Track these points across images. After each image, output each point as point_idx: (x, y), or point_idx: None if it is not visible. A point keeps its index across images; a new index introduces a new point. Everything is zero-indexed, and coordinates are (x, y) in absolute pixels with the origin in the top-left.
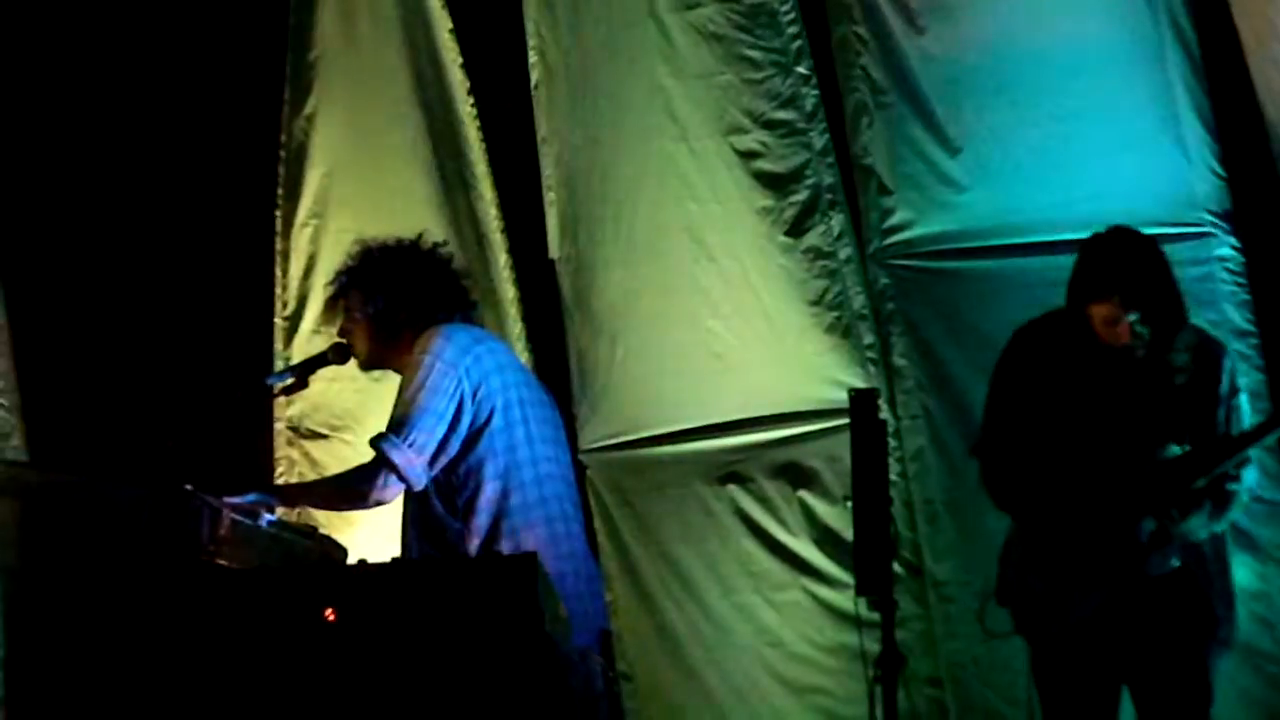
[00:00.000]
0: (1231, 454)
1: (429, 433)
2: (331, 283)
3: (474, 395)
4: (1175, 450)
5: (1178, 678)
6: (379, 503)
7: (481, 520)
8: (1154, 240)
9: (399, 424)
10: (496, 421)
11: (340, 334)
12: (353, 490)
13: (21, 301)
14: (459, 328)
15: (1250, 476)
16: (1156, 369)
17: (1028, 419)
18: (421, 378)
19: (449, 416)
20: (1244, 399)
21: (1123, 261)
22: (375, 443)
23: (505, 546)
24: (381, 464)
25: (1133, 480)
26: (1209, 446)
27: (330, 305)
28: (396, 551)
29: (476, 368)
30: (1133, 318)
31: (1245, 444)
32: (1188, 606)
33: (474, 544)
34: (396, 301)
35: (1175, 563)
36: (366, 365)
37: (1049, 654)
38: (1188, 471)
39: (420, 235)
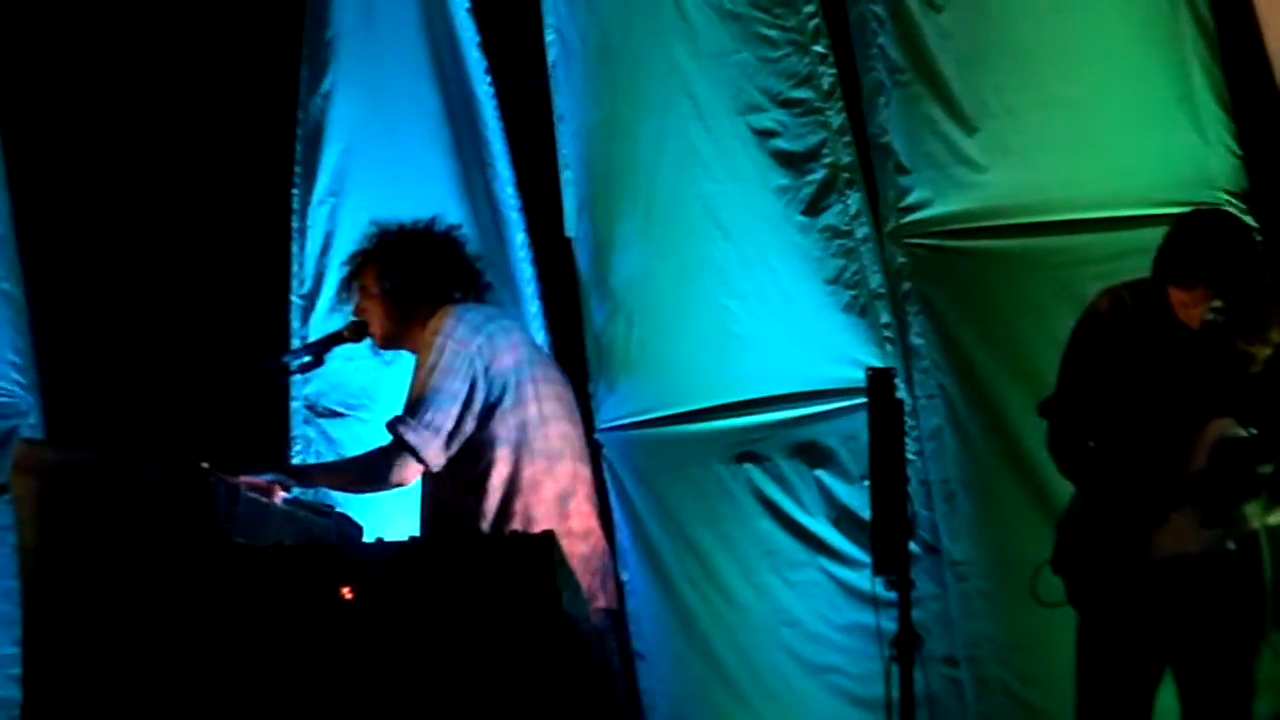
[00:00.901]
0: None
1: (444, 413)
2: (347, 262)
3: (486, 374)
4: (1243, 433)
5: (1221, 662)
6: (399, 484)
7: (494, 499)
8: (1246, 230)
9: (414, 405)
10: (508, 400)
11: (355, 313)
12: (371, 473)
13: (40, 280)
14: (471, 307)
15: None
16: (1233, 354)
17: (1100, 385)
18: (434, 359)
19: (463, 396)
20: None
21: (1203, 250)
22: (392, 425)
23: (517, 525)
24: (399, 446)
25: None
26: (1275, 431)
27: (346, 284)
28: (414, 530)
29: (489, 346)
30: (1211, 308)
31: None
32: (1238, 590)
33: (487, 523)
34: (411, 280)
35: (1231, 545)
36: (382, 345)
37: (1099, 626)
38: (1252, 455)
39: (435, 217)
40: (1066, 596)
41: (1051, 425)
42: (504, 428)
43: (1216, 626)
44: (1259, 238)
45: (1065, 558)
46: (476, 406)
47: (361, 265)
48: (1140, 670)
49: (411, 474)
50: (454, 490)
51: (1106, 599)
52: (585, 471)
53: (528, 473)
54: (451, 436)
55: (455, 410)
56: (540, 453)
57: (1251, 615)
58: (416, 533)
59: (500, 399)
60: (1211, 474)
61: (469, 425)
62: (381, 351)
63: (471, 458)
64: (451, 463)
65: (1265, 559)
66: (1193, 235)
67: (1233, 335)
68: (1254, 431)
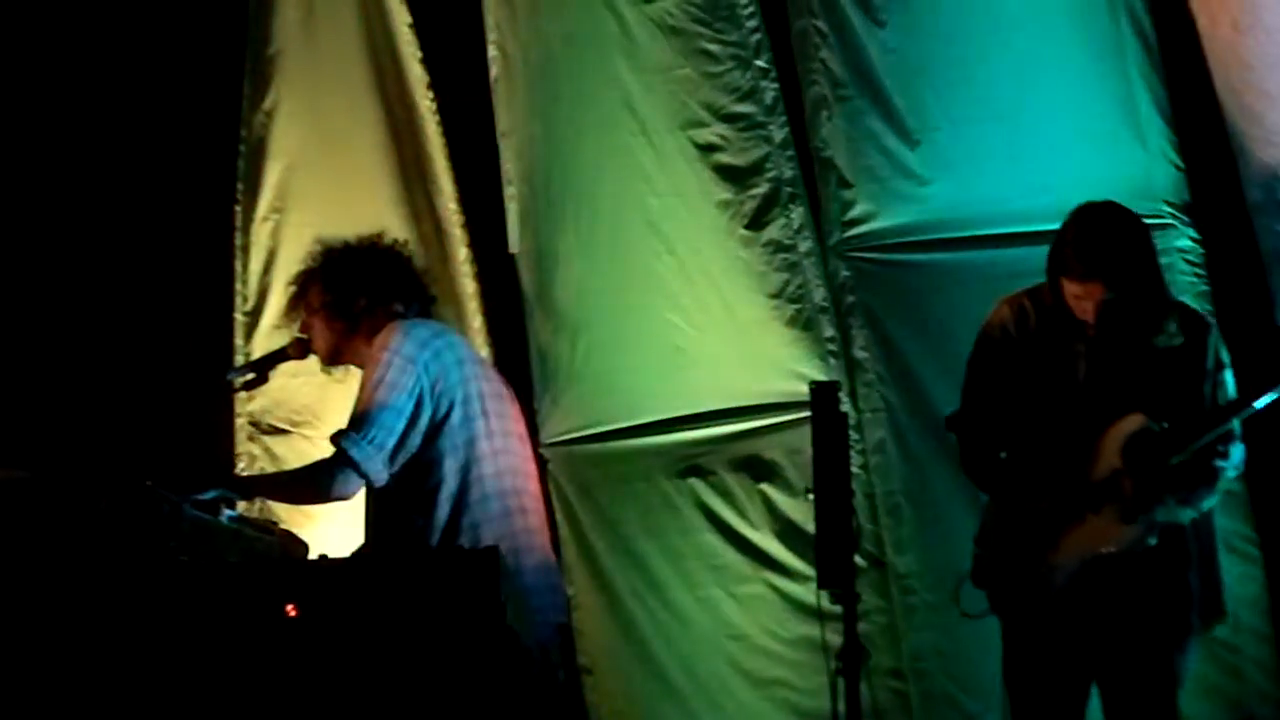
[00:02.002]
0: (1207, 429)
1: (389, 429)
2: (292, 281)
3: (433, 390)
4: (1153, 427)
5: (1145, 659)
6: (339, 498)
7: (441, 514)
8: (1136, 220)
9: (359, 421)
10: (456, 416)
11: (301, 330)
12: (312, 485)
13: None
14: (417, 323)
15: (1237, 453)
16: (1136, 346)
17: (1004, 394)
18: (380, 374)
19: (408, 412)
20: (1229, 374)
21: (1095, 242)
22: (335, 439)
23: (464, 540)
24: (341, 460)
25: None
26: (1186, 423)
27: (292, 304)
28: (358, 546)
29: (435, 362)
30: (1096, 301)
31: (1219, 420)
32: (1162, 586)
33: (435, 538)
34: (354, 296)
35: (1152, 541)
36: (328, 361)
37: (1023, 633)
38: (1165, 448)
39: (380, 233)
40: (990, 606)
41: (960, 440)
42: (451, 444)
43: (1142, 624)
44: (1201, 249)
45: (985, 569)
46: (422, 423)
47: (304, 283)
48: (1069, 676)
49: (353, 488)
50: (401, 507)
51: (1029, 606)
52: (533, 487)
53: (475, 488)
54: (395, 453)
55: (400, 426)
56: (488, 468)
57: (1177, 611)
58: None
59: (448, 415)
60: (1126, 471)
61: (414, 441)
62: (332, 368)
63: (418, 474)
64: (398, 479)
65: (1191, 553)
66: (1081, 227)
67: (1128, 326)
68: (1165, 425)
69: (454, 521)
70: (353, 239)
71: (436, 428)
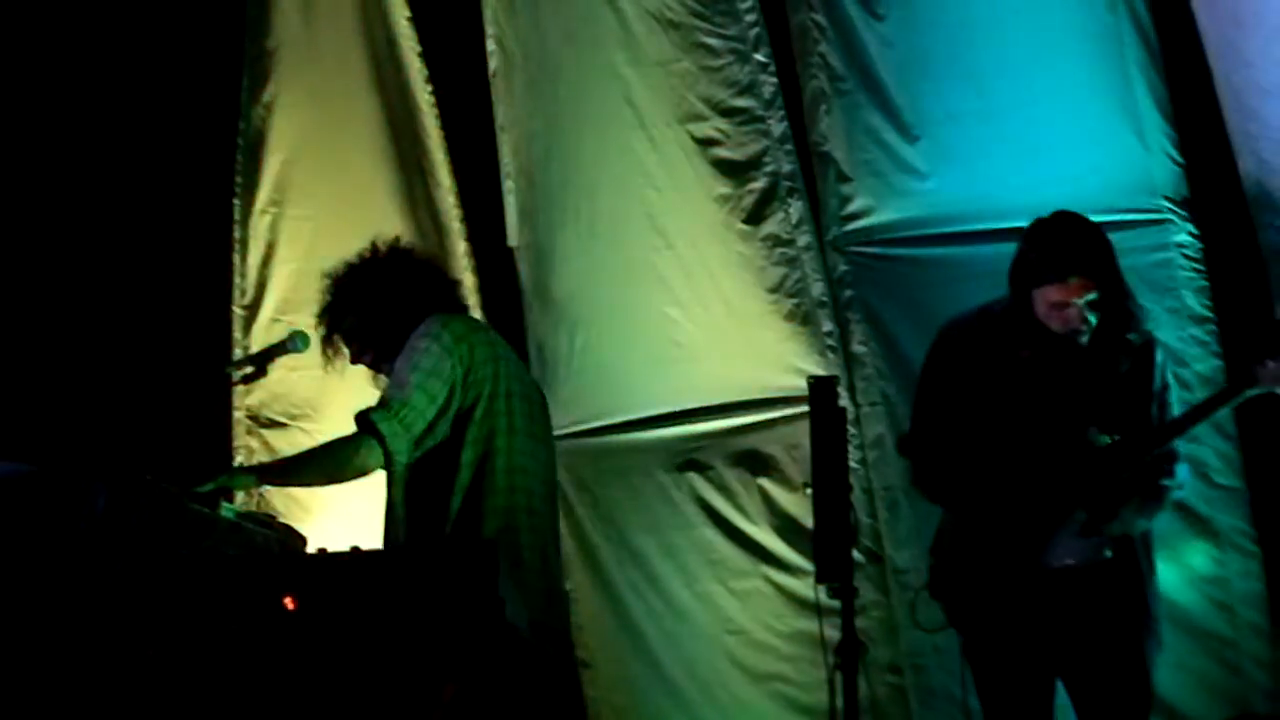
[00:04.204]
0: (1159, 442)
1: (419, 412)
2: (318, 325)
3: (464, 381)
4: (1105, 440)
5: (1116, 671)
6: (359, 473)
7: (454, 504)
8: (1096, 225)
9: (392, 401)
10: (480, 410)
11: (354, 361)
12: (334, 460)
13: None
14: (457, 316)
15: (1182, 473)
16: (1096, 358)
17: (956, 412)
18: (417, 359)
19: (441, 400)
20: (1174, 395)
21: (1078, 244)
22: (364, 414)
23: (471, 532)
24: (369, 434)
25: (1063, 469)
26: (1137, 437)
27: (327, 346)
28: (356, 540)
29: (470, 356)
30: (1082, 301)
31: (1170, 433)
32: (1122, 598)
33: (447, 528)
34: (383, 314)
35: (1107, 554)
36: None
37: (981, 646)
38: (1117, 462)
39: (374, 240)
40: (946, 620)
41: (913, 461)
42: (472, 436)
43: (1105, 637)
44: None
45: (940, 579)
46: (451, 413)
47: (331, 324)
48: (1030, 686)
49: (374, 464)
50: (420, 494)
51: (987, 619)
52: (543, 491)
53: (485, 482)
54: (423, 437)
55: (431, 413)
56: (500, 464)
57: (1139, 623)
58: (376, 538)
59: (473, 407)
60: (1081, 484)
61: (442, 429)
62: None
63: (438, 462)
64: (419, 466)
65: (1146, 564)
66: (1050, 234)
67: (1099, 335)
68: (1116, 438)
69: (461, 515)
70: (354, 259)
71: (462, 418)
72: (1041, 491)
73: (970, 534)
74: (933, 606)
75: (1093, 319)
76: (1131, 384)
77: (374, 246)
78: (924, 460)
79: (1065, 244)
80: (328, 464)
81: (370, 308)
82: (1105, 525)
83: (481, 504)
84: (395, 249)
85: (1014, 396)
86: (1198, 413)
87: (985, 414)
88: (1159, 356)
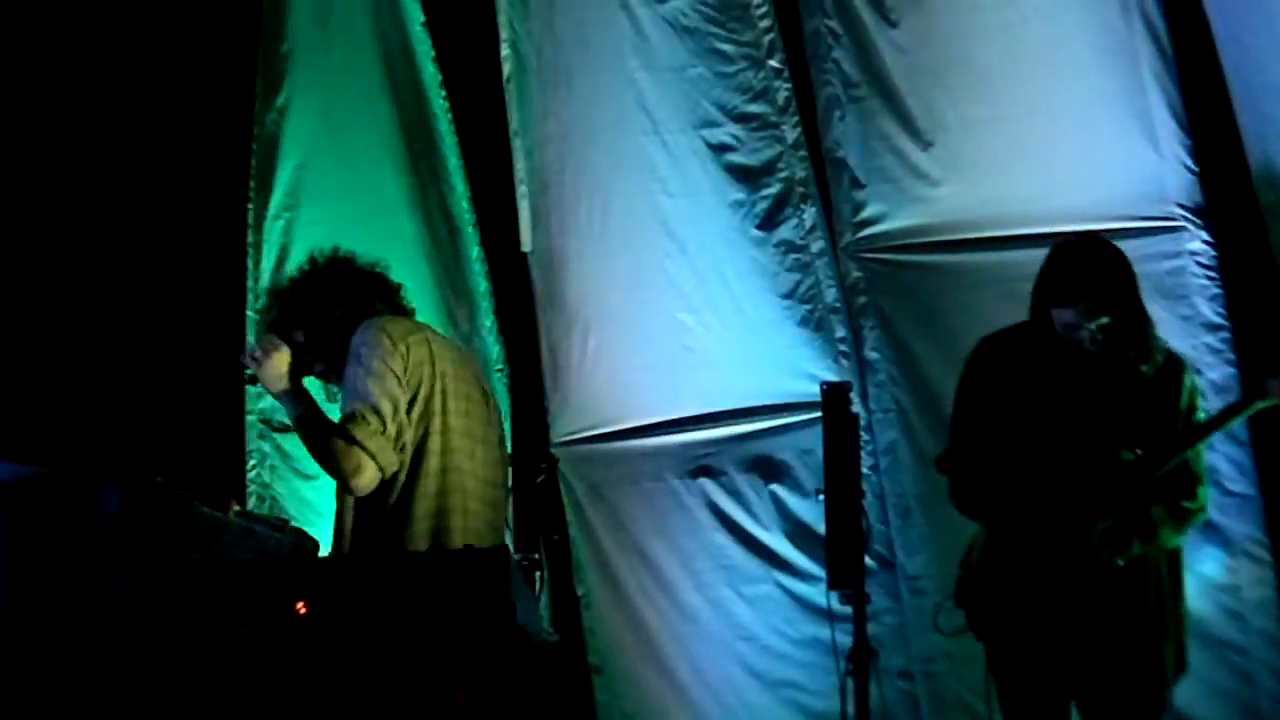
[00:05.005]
0: (1170, 455)
1: (391, 417)
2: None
3: (402, 382)
4: (1128, 455)
5: (1128, 692)
6: (358, 487)
7: (388, 504)
8: (1119, 250)
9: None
10: (416, 410)
11: (305, 374)
12: (337, 459)
13: None
14: (393, 318)
15: (1204, 496)
16: (1118, 375)
17: (993, 430)
18: (369, 365)
19: (404, 401)
20: (1201, 417)
21: (1086, 269)
22: (349, 432)
23: (399, 532)
24: (358, 449)
25: (1089, 482)
26: (1159, 449)
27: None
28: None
29: (407, 357)
30: (1093, 325)
31: (1181, 446)
32: (1133, 612)
33: (381, 528)
34: (330, 325)
35: (1120, 561)
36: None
37: (1003, 656)
38: (1140, 474)
39: (311, 254)
40: (966, 625)
41: (950, 478)
42: (408, 437)
43: (1117, 649)
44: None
45: (966, 591)
46: (403, 413)
47: (277, 333)
48: (1051, 697)
49: (365, 484)
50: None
51: (1011, 630)
52: (479, 490)
53: (416, 482)
54: (397, 439)
55: (399, 415)
56: (433, 464)
57: (1152, 637)
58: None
59: (409, 408)
60: (1101, 497)
61: (407, 433)
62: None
63: None
64: None
65: (1163, 578)
66: (1069, 257)
67: (1121, 350)
68: (1139, 453)
69: (395, 511)
70: (296, 274)
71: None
72: (1066, 506)
73: (1004, 549)
74: (953, 612)
75: (1101, 339)
76: (1158, 403)
77: (312, 258)
78: (962, 478)
79: (1080, 268)
80: (336, 459)
81: (316, 320)
82: (1118, 539)
83: (411, 503)
84: (335, 259)
85: (1043, 411)
86: (1207, 426)
87: (1018, 431)
88: (1187, 380)
